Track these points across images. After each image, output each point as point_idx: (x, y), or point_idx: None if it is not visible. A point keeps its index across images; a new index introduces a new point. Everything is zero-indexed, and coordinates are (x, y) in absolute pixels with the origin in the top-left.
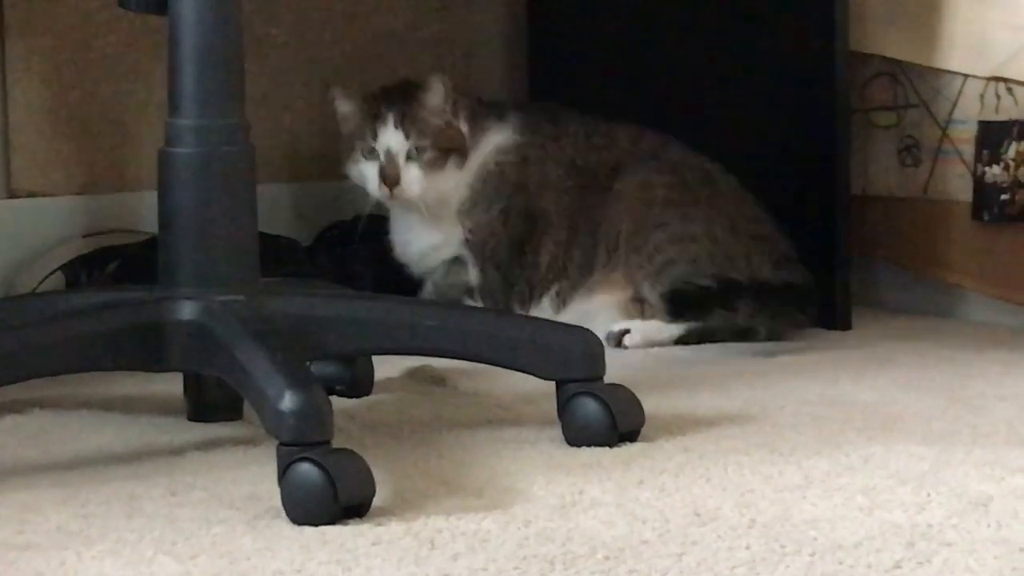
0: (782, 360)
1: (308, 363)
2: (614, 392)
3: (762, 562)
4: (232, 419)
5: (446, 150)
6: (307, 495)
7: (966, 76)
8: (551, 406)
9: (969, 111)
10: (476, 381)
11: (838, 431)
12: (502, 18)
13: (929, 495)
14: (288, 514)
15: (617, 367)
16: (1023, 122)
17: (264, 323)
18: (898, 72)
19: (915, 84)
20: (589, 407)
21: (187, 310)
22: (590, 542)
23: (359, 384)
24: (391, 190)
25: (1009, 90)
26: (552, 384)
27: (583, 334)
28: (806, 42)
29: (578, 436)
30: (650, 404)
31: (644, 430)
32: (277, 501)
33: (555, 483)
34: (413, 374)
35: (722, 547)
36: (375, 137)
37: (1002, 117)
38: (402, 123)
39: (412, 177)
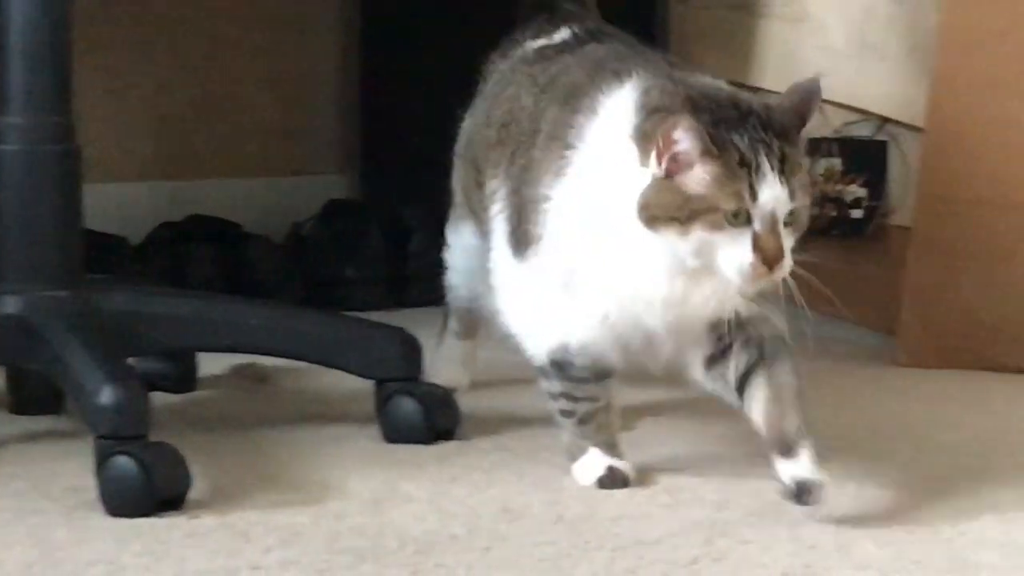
0: None
1: (130, 359)
2: (431, 391)
3: (566, 557)
4: (55, 413)
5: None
6: (123, 488)
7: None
8: (371, 404)
9: None
10: (299, 379)
11: (648, 431)
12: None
13: (730, 494)
14: (105, 506)
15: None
16: (831, 139)
17: (87, 319)
18: None
19: None
20: (406, 406)
21: (10, 304)
22: (400, 537)
23: (183, 380)
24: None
25: (819, 108)
26: (372, 383)
27: (401, 335)
28: None
29: (395, 434)
30: (468, 403)
31: (461, 429)
32: (95, 493)
33: (370, 479)
34: (238, 371)
35: (528, 542)
36: (753, 195)
37: (812, 135)
38: (783, 170)
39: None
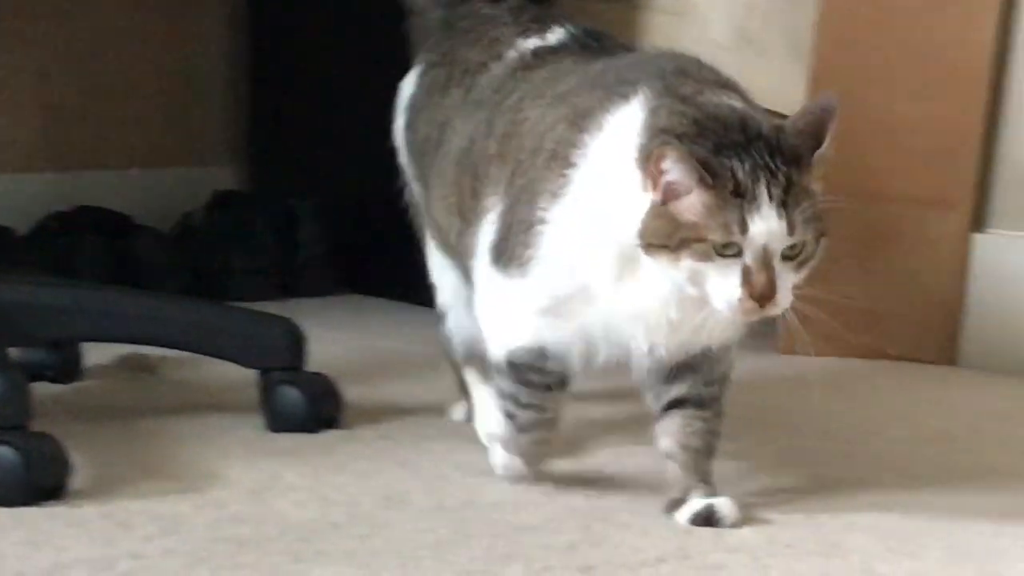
0: None
1: (13, 349)
2: (314, 381)
3: (446, 544)
4: None
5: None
6: (2, 477)
7: None
8: (256, 394)
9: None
10: (185, 369)
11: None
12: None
13: (608, 481)
14: None
15: (321, 357)
16: None
17: None
18: None
19: None
20: (289, 395)
21: None
22: (281, 524)
23: (67, 370)
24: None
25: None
26: (256, 373)
27: (285, 324)
28: None
29: (279, 423)
30: (353, 393)
31: (345, 418)
32: None
33: (253, 468)
34: (124, 361)
35: (409, 529)
36: (743, 227)
37: None
38: (784, 201)
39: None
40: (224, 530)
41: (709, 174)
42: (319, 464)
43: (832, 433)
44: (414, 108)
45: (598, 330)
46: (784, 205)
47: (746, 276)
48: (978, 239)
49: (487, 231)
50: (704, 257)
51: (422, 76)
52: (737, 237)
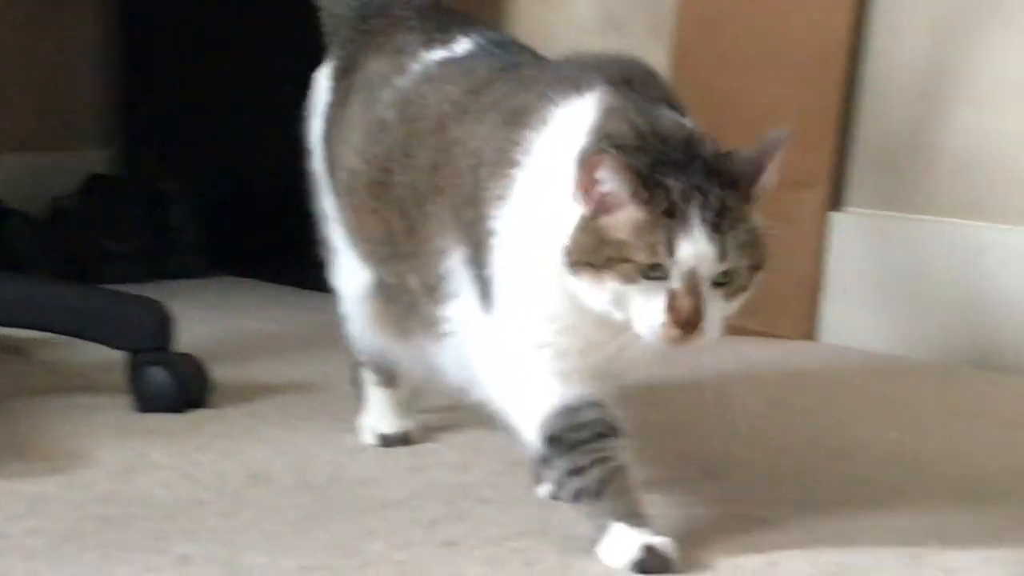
0: None
1: None
2: (182, 361)
3: (310, 520)
4: None
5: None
6: None
7: None
8: (124, 375)
9: None
10: (54, 350)
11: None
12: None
13: (471, 457)
14: None
15: (191, 338)
16: None
17: None
18: None
19: None
20: (157, 376)
21: None
22: (147, 503)
23: None
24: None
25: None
26: (124, 354)
27: (153, 305)
28: None
29: (147, 403)
30: (221, 373)
31: (213, 398)
32: None
33: (120, 448)
34: None
35: (273, 506)
36: (670, 249)
37: None
38: (717, 225)
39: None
40: (90, 509)
41: (645, 189)
42: (186, 443)
43: (692, 406)
44: (328, 120)
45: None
46: (717, 229)
47: (671, 301)
48: (835, 217)
49: (463, 278)
50: (628, 279)
51: (334, 83)
52: (664, 259)
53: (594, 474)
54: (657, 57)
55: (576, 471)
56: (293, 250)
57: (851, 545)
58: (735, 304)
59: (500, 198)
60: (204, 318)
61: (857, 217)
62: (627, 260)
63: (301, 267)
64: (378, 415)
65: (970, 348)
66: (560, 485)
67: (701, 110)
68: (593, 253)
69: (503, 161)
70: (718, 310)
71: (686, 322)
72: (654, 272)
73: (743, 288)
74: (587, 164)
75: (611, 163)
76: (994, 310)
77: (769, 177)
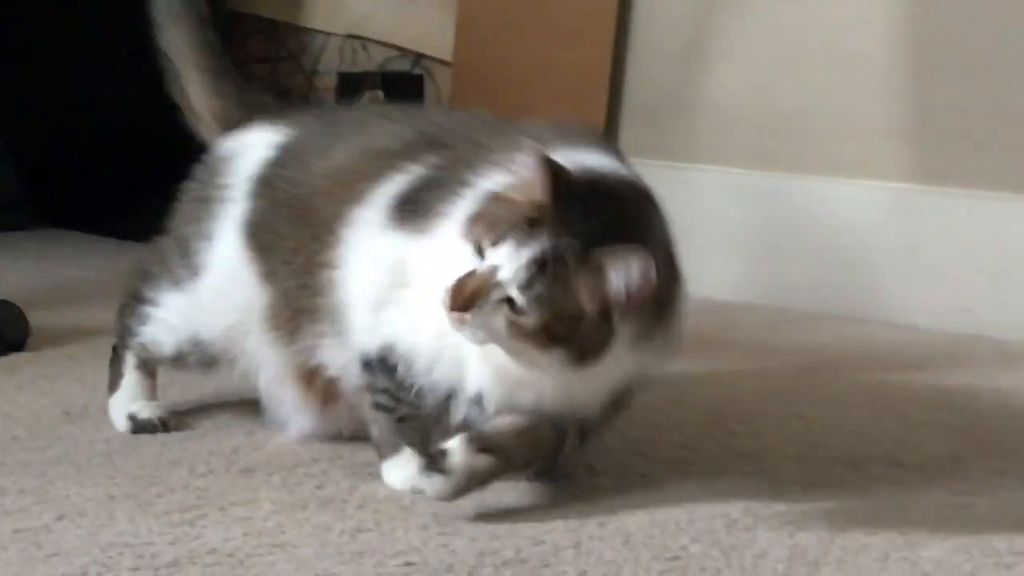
0: None
1: None
2: (1, 307)
3: (119, 452)
4: None
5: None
6: None
7: (328, 34)
8: None
9: (331, 64)
10: None
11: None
12: None
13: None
14: None
15: (11, 287)
16: (375, 73)
17: None
18: (272, 30)
19: (286, 40)
20: None
21: None
22: None
23: None
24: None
25: (363, 46)
26: None
27: None
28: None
29: None
30: (40, 319)
31: (31, 341)
32: None
33: None
34: None
35: (85, 440)
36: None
37: (358, 69)
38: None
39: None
40: None
41: (546, 195)
42: (5, 384)
43: None
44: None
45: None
46: (541, 266)
47: (463, 276)
48: None
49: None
50: (473, 248)
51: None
52: (487, 245)
53: (405, 409)
54: (445, 22)
55: (392, 395)
56: (112, 203)
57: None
58: (513, 340)
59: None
60: (25, 268)
61: None
62: (481, 232)
63: (118, 219)
64: (130, 398)
65: (725, 283)
66: (372, 391)
67: (487, 72)
68: (480, 219)
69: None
70: (497, 321)
71: (457, 299)
72: (478, 252)
73: (527, 332)
74: (534, 151)
75: (546, 161)
76: (753, 247)
77: (619, 295)
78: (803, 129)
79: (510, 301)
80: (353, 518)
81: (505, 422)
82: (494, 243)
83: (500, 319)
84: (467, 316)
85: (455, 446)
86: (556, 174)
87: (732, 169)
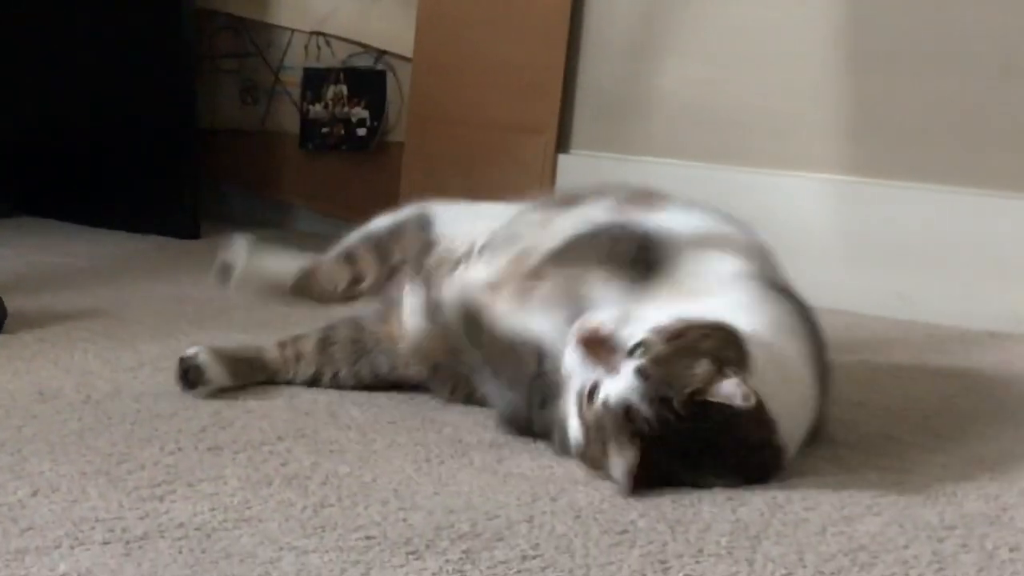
0: (135, 263)
1: None
2: None
3: (91, 430)
4: None
5: None
6: None
7: (293, 30)
8: None
9: (296, 59)
10: None
11: (173, 322)
12: None
13: None
14: None
15: None
16: (338, 69)
17: None
18: (239, 26)
19: (253, 36)
20: None
21: None
22: None
23: None
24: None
25: (328, 43)
26: None
27: None
28: (159, 1)
29: None
30: (17, 303)
31: (8, 324)
32: None
33: None
34: None
35: (58, 420)
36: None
37: (322, 65)
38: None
39: None
40: None
41: None
42: None
43: None
44: None
45: None
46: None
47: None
48: (562, 159)
49: None
50: None
51: None
52: None
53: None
54: (406, 18)
55: None
56: (88, 192)
57: None
58: None
59: None
60: (3, 255)
61: (581, 158)
62: None
63: (95, 207)
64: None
65: None
66: None
67: (446, 68)
68: None
69: None
70: None
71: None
72: None
73: None
74: None
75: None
76: None
77: None
78: (748, 124)
79: None
80: (316, 494)
81: None
82: None
83: None
84: None
85: None
86: None
87: (681, 162)
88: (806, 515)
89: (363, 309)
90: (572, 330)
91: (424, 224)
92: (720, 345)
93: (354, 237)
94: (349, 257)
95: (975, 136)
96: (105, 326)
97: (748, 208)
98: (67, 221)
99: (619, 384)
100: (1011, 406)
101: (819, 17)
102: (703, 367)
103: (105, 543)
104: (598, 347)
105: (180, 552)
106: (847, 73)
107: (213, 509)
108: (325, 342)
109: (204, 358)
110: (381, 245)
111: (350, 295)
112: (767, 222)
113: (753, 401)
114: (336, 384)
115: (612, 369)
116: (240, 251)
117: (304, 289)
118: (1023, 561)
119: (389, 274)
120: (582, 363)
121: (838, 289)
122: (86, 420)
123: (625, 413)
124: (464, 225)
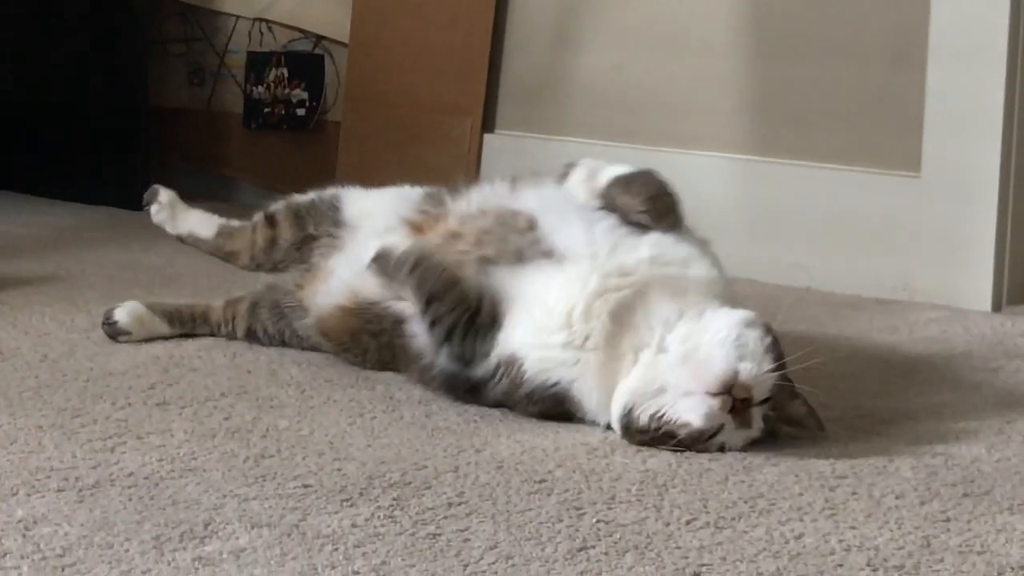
0: (89, 233)
1: None
2: None
3: (47, 388)
4: None
5: None
6: None
7: (238, 17)
8: None
9: (240, 44)
10: None
11: (125, 287)
12: None
13: (184, 337)
14: None
15: None
16: (280, 53)
17: None
18: (187, 12)
19: (200, 22)
20: None
21: None
22: None
23: None
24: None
25: (270, 29)
26: None
27: None
28: None
29: None
30: None
31: None
32: None
33: None
34: None
35: (16, 377)
36: None
37: (265, 49)
38: None
39: None
40: None
41: None
42: None
43: None
44: None
45: None
46: None
47: None
48: (488, 138)
49: None
50: None
51: None
52: None
53: None
54: (345, 5)
55: None
56: (46, 166)
57: None
58: None
59: None
60: None
61: (505, 138)
62: None
63: (52, 180)
64: None
65: None
66: None
67: (380, 52)
68: None
69: None
70: None
71: None
72: None
73: None
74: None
75: None
76: None
77: None
78: (657, 106)
79: None
80: (257, 446)
81: None
82: None
83: None
84: None
85: None
86: None
87: (596, 142)
88: (710, 465)
89: (283, 276)
90: None
91: (335, 205)
92: None
93: (277, 204)
94: (270, 220)
95: (868, 119)
96: (61, 291)
97: None
98: (25, 193)
99: None
100: (897, 367)
101: (725, 6)
102: None
103: (60, 491)
104: None
105: (130, 499)
106: (750, 59)
107: (161, 460)
108: (255, 304)
109: (121, 313)
110: (300, 214)
111: (265, 254)
112: None
113: None
114: (268, 341)
115: None
116: (166, 193)
117: (222, 246)
118: (907, 507)
119: (302, 241)
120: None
121: (741, 260)
122: (43, 377)
123: None
124: (367, 206)
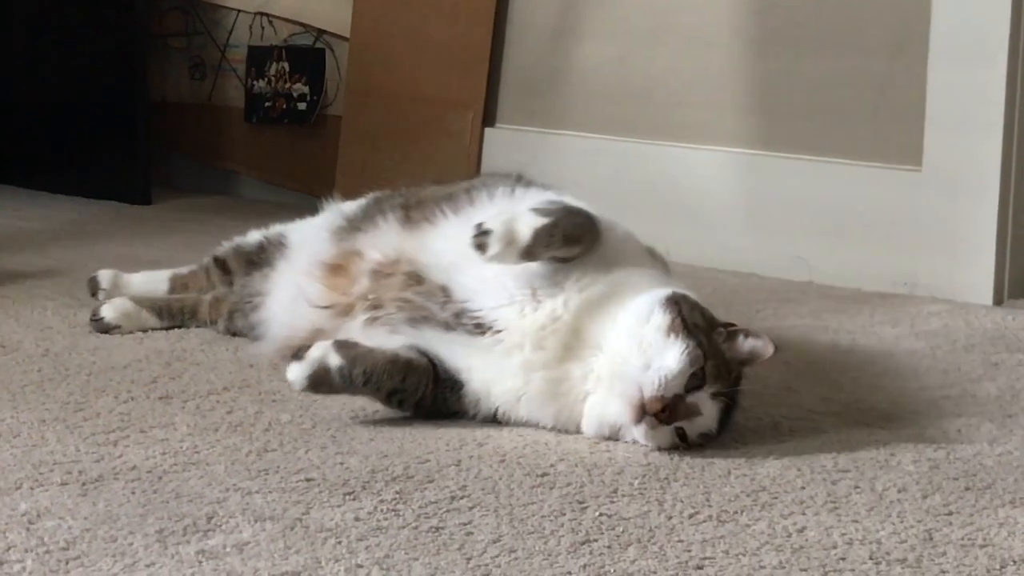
0: (91, 227)
1: None
2: None
3: (49, 381)
4: None
5: None
6: None
7: (239, 11)
8: None
9: (242, 38)
10: None
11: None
12: None
13: (187, 330)
14: None
15: None
16: (281, 47)
17: None
18: (188, 6)
19: (201, 16)
20: None
21: None
22: None
23: None
24: None
25: (271, 23)
26: None
27: None
28: None
29: None
30: None
31: None
32: None
33: None
34: None
35: (19, 371)
36: None
37: (266, 43)
38: None
39: None
40: None
41: None
42: None
43: None
44: None
45: None
46: None
47: None
48: (488, 132)
49: None
50: None
51: None
52: None
53: None
54: (344, 2)
55: None
56: (48, 160)
57: None
58: None
59: None
60: None
61: (506, 132)
62: None
63: (54, 174)
64: None
65: None
66: None
67: (380, 46)
68: None
69: None
70: None
71: None
72: None
73: None
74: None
75: None
76: (614, 203)
77: None
78: (658, 100)
79: None
80: (260, 440)
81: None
82: None
83: None
84: None
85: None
86: None
87: (597, 135)
88: (712, 459)
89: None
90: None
91: (282, 243)
92: None
93: (225, 248)
94: (222, 265)
95: (869, 114)
96: (63, 285)
97: (657, 178)
98: (27, 188)
99: None
100: (899, 360)
101: (724, 1)
102: None
103: (63, 484)
104: None
105: (133, 493)
106: (750, 52)
107: (164, 453)
108: (232, 313)
109: (107, 310)
110: (251, 260)
111: (219, 306)
112: (677, 191)
113: None
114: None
115: None
116: (106, 275)
117: (177, 292)
118: (909, 501)
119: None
120: None
121: (742, 253)
122: (45, 371)
123: None
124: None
